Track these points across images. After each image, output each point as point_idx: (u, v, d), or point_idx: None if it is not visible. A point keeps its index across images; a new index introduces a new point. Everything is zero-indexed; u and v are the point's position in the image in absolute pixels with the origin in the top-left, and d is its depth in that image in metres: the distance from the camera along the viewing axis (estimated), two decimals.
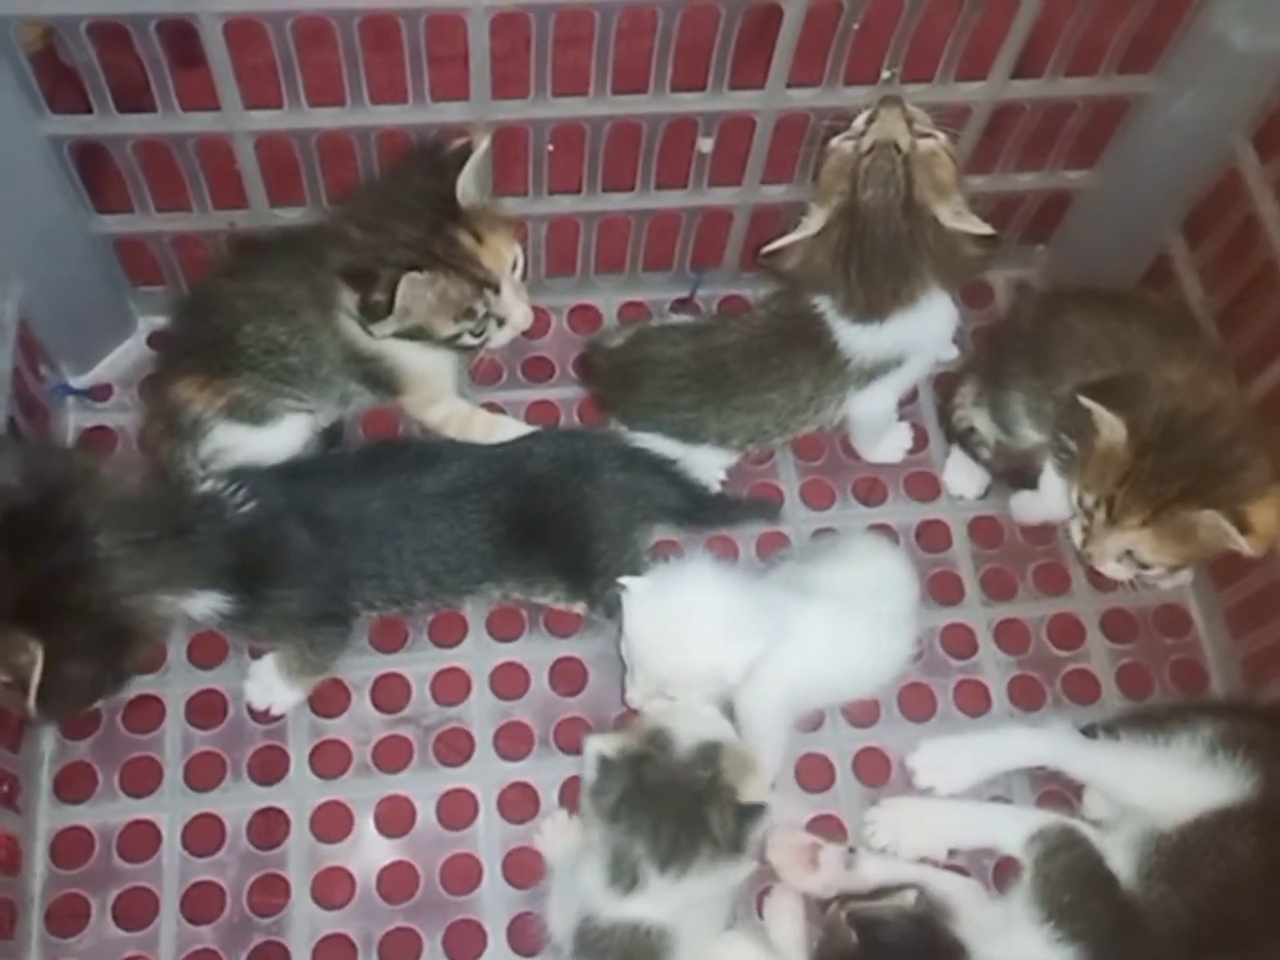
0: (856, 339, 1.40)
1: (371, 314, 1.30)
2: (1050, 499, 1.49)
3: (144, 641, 1.22)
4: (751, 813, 1.14)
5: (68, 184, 1.38)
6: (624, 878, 1.13)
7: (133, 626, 1.18)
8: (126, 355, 1.60)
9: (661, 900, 1.13)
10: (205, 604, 1.24)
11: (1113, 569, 1.38)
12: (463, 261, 1.31)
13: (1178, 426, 1.29)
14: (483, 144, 1.30)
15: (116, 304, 1.58)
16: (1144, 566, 1.36)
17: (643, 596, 1.27)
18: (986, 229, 1.33)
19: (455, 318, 1.33)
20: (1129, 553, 1.35)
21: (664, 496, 1.43)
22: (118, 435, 1.56)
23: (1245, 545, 1.25)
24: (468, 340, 1.36)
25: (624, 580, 1.28)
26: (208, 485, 1.29)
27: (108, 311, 1.57)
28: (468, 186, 1.30)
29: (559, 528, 1.38)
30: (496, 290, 1.34)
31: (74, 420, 1.57)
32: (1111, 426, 1.30)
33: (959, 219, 1.33)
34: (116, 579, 1.15)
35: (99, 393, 1.58)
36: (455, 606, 1.47)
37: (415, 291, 1.28)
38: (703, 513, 1.48)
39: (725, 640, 1.25)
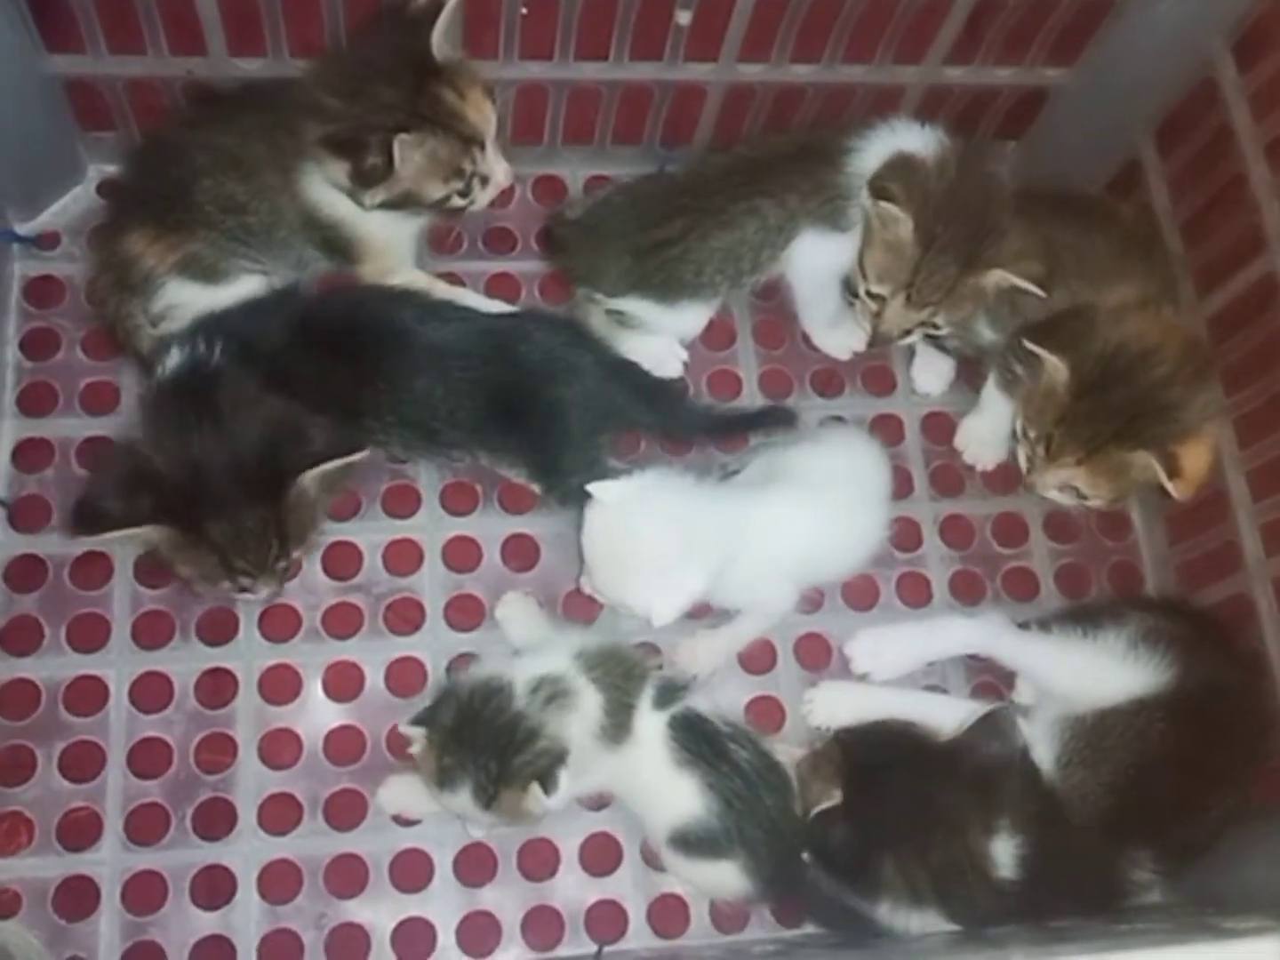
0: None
1: (368, 179, 1.27)
2: (989, 412, 1.54)
3: None
4: None
5: (18, 21, 1.32)
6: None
7: None
8: (75, 203, 1.55)
9: None
10: None
11: (1056, 496, 1.44)
12: (449, 118, 1.28)
13: (1117, 365, 1.33)
14: None
15: (66, 149, 1.52)
16: (1083, 497, 1.41)
17: (599, 512, 1.27)
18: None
19: (445, 178, 1.31)
20: (1069, 485, 1.40)
21: (637, 412, 1.44)
22: (65, 286, 1.52)
23: (1173, 489, 1.30)
24: (455, 202, 1.34)
25: (590, 487, 1.27)
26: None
27: (56, 156, 1.52)
28: (442, 42, 1.26)
29: (533, 418, 1.37)
30: (482, 147, 1.31)
31: (19, 269, 1.52)
32: (1054, 368, 1.34)
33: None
34: None
35: (46, 240, 1.53)
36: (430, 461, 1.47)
37: (405, 154, 1.24)
38: (683, 426, 1.50)
39: (660, 582, 1.25)
